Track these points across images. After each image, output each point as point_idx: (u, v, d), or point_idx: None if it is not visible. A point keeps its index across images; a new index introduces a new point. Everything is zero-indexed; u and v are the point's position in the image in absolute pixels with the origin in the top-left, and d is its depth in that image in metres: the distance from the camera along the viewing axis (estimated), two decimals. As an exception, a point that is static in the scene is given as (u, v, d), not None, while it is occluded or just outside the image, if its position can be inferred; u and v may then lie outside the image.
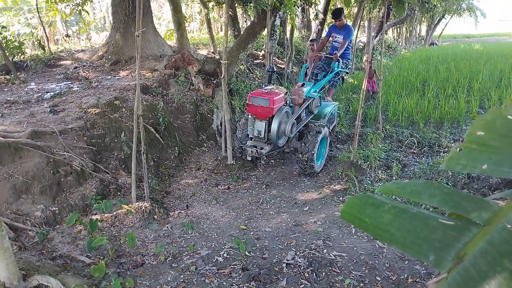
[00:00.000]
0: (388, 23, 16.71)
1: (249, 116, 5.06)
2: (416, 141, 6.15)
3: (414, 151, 5.99)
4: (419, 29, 37.32)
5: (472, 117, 7.33)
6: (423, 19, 31.95)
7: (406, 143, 6.14)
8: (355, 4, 14.66)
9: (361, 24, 16.78)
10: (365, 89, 5.04)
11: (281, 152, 6.17)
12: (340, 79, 6.90)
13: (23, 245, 3.39)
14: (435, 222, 0.54)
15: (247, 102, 4.94)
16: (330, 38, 6.78)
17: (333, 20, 6.62)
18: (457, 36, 51.74)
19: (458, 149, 0.61)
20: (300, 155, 5.09)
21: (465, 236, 0.51)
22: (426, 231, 0.54)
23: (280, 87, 5.50)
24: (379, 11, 14.38)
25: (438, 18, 31.11)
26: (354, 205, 0.63)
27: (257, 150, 4.90)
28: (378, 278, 2.90)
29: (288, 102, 5.20)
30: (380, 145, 5.51)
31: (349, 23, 13.30)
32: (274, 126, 4.78)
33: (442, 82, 10.57)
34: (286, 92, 5.20)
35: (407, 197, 0.61)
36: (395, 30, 30.31)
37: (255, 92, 5.05)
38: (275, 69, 5.34)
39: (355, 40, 13.74)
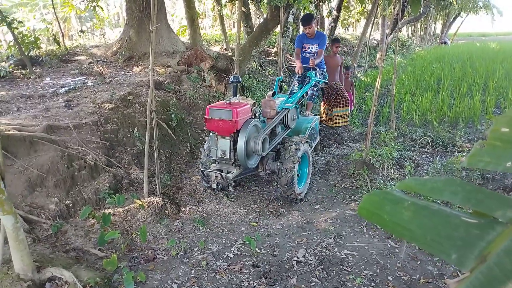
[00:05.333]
0: (402, 20, 16.51)
1: (211, 133, 4.14)
2: (429, 140, 6.07)
3: (428, 151, 5.92)
4: (434, 27, 36.84)
5: (488, 117, 7.21)
6: (438, 16, 31.51)
7: (420, 142, 6.07)
8: (369, 1, 14.53)
9: (374, 21, 16.62)
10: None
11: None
12: (319, 91, 6.29)
13: (37, 238, 3.44)
14: (458, 220, 0.53)
15: (205, 116, 4.05)
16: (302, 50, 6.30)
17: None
18: (473, 35, 50.92)
19: (480, 145, 0.59)
20: (278, 178, 4.32)
21: (489, 234, 0.50)
22: (448, 229, 0.53)
23: (247, 98, 4.73)
24: (393, 9, 14.22)
25: (453, 16, 30.62)
26: (372, 202, 0.62)
27: (221, 175, 3.97)
28: (389, 278, 2.87)
29: (257, 114, 4.42)
30: (393, 144, 5.45)
31: (363, 21, 13.15)
32: (241, 142, 3.90)
33: (457, 81, 10.41)
34: (254, 103, 4.35)
35: (427, 194, 0.60)
36: (410, 28, 29.98)
37: (215, 104, 4.20)
38: (240, 80, 4.54)
39: (369, 38, 13.62)
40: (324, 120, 6.95)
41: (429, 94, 8.68)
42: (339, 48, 6.94)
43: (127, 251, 3.40)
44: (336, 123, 6.84)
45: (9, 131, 3.95)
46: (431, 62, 14.43)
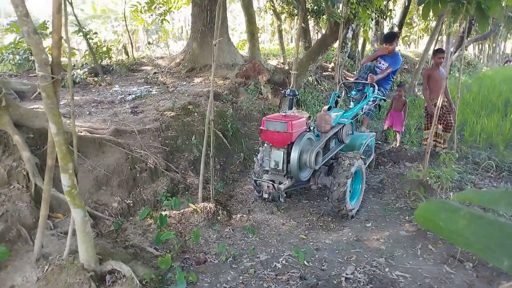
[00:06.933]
0: (469, 38, 15.77)
1: (265, 144, 4.28)
2: (494, 165, 5.72)
3: (492, 175, 5.57)
4: (504, 46, 34.70)
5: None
6: (508, 35, 29.65)
7: (483, 166, 5.74)
8: (433, 18, 14.08)
9: (438, 39, 16.02)
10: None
11: None
12: (377, 107, 6.13)
13: (100, 232, 3.70)
14: (512, 229, 0.55)
15: (260, 127, 4.19)
16: (374, 62, 6.20)
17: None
18: (549, 55, 47.14)
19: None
20: (330, 193, 4.28)
21: (543, 245, 0.52)
22: (502, 237, 0.55)
23: (302, 111, 4.78)
24: (459, 26, 13.64)
25: (526, 35, 28.68)
26: (429, 209, 0.65)
27: (273, 185, 4.07)
28: (443, 303, 2.75)
29: (312, 128, 4.46)
30: (453, 166, 5.21)
31: (426, 37, 12.74)
32: (294, 155, 3.97)
33: (528, 104, 9.72)
34: (309, 117, 4.42)
35: (484, 205, 0.62)
36: (477, 46, 28.50)
37: (271, 116, 4.33)
38: (296, 93, 4.58)
39: (431, 55, 13.19)
40: (437, 142, 6.27)
41: (495, 116, 8.19)
42: (442, 60, 6.16)
43: (180, 252, 3.55)
44: (439, 142, 6.26)
45: (81, 132, 4.31)
46: (499, 83, 13.59)
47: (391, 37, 6.00)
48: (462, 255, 3.31)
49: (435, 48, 6.65)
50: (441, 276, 3.06)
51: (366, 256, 3.44)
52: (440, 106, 5.98)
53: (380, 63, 6.08)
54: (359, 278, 3.07)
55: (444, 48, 16.28)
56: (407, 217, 4.31)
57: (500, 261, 0.53)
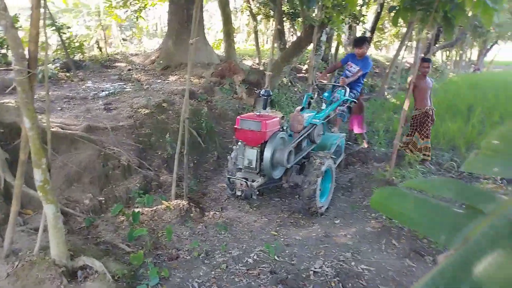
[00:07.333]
0: (437, 45, 16.40)
1: (239, 143, 4.36)
2: (456, 166, 6.02)
3: (453, 175, 5.87)
4: (470, 53, 36.21)
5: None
6: (474, 43, 30.98)
7: (445, 167, 6.03)
8: (404, 25, 14.56)
9: (408, 44, 16.57)
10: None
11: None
12: (349, 109, 6.28)
13: (71, 229, 3.67)
14: (449, 210, 0.66)
15: (235, 126, 4.29)
16: (344, 65, 6.39)
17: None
18: (511, 64, 49.50)
19: (475, 154, 0.72)
20: (301, 191, 4.43)
21: (472, 222, 0.62)
22: (441, 217, 0.65)
23: (276, 111, 4.90)
24: (428, 33, 14.18)
25: (491, 44, 30.05)
26: (383, 195, 0.76)
27: (247, 183, 4.17)
28: (405, 295, 2.91)
29: (285, 128, 4.56)
30: (417, 166, 5.46)
31: (397, 43, 13.15)
32: (267, 153, 4.09)
33: (489, 109, 10.23)
34: (283, 117, 4.54)
35: (428, 191, 0.73)
36: (444, 53, 29.61)
37: (246, 115, 4.45)
38: (271, 93, 4.72)
39: (401, 60, 13.67)
40: (409, 149, 6.28)
41: (458, 119, 8.59)
42: (428, 69, 6.11)
43: (153, 248, 3.57)
44: (426, 155, 6.10)
45: (53, 128, 4.24)
46: (464, 89, 14.21)
47: (360, 41, 6.25)
48: (423, 249, 3.51)
49: (421, 57, 6.78)
50: (404, 269, 3.24)
51: (333, 251, 3.58)
52: (422, 114, 6.16)
53: (351, 66, 6.26)
54: (327, 271, 3.20)
55: (413, 54, 16.88)
56: (373, 214, 4.49)
57: (438, 236, 0.64)
